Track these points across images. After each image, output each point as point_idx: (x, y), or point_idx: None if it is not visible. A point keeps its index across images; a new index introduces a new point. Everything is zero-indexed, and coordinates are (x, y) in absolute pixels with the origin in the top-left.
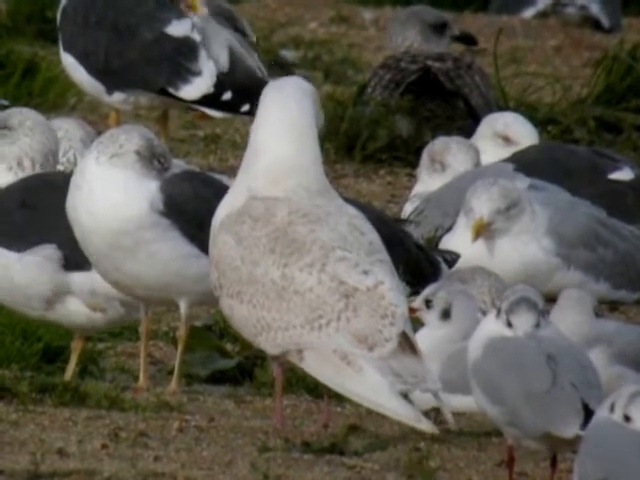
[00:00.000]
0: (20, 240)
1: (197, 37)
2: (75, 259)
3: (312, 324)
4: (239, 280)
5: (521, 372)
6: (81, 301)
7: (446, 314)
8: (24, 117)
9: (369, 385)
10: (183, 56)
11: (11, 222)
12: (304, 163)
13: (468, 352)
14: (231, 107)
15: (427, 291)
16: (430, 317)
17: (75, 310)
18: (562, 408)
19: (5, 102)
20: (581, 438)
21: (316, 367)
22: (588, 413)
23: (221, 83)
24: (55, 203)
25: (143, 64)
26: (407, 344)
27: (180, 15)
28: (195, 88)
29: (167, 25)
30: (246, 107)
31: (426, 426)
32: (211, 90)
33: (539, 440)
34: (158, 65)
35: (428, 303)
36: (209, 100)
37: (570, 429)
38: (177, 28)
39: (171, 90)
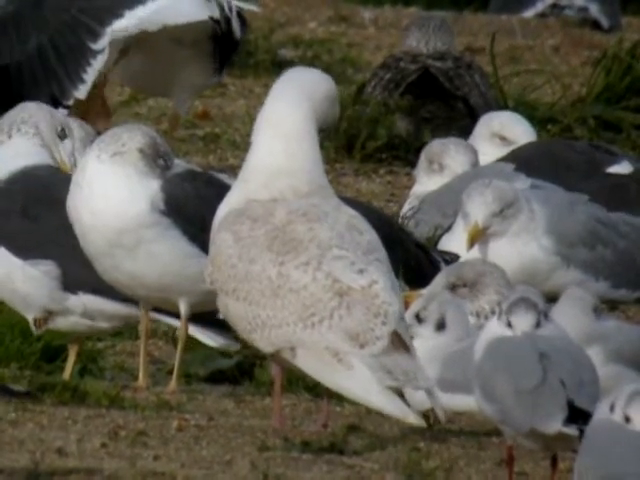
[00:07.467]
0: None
1: None
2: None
3: (305, 322)
4: (235, 277)
5: (512, 370)
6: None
7: (440, 325)
8: None
9: (358, 381)
10: None
11: (12, 227)
12: (293, 167)
13: (474, 353)
14: None
15: (416, 306)
16: (423, 330)
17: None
18: (547, 404)
19: None
20: (566, 435)
21: (308, 364)
22: (575, 411)
23: None
24: (56, 218)
25: None
26: (400, 342)
27: None
28: None
29: None
30: None
31: (414, 420)
32: None
33: (528, 437)
34: None
35: (418, 317)
36: None
37: (552, 425)
38: None
39: None
